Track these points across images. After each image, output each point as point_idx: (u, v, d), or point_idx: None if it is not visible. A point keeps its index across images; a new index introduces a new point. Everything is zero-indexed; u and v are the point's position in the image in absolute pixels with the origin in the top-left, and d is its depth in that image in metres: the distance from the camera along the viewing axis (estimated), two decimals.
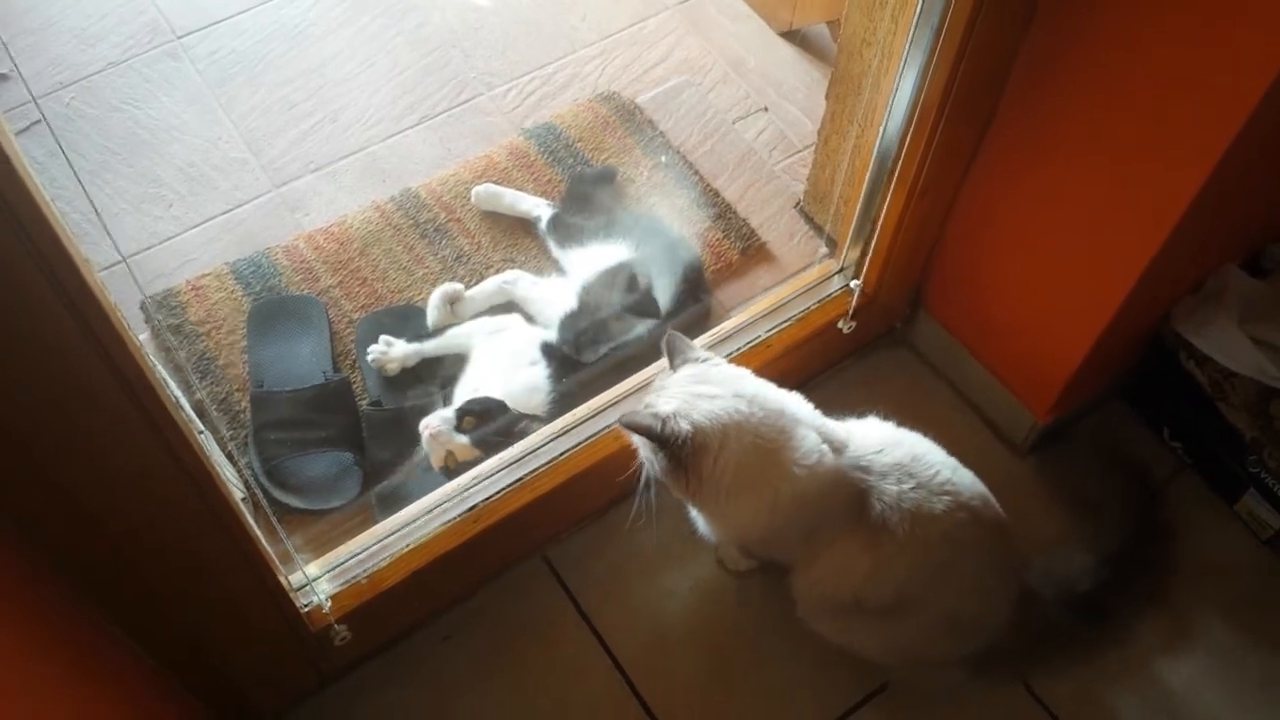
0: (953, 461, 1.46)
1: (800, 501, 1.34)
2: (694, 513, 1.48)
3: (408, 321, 1.97)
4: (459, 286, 1.96)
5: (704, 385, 1.33)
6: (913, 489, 1.37)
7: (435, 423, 1.70)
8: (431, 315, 1.94)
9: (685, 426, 1.27)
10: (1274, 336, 1.71)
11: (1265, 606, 1.76)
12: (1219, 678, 1.70)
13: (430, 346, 1.90)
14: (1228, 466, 1.79)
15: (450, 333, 1.91)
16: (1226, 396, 1.73)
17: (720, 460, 1.29)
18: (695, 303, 1.97)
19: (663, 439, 1.27)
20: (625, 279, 1.92)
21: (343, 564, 1.53)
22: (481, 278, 2.02)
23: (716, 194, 2.19)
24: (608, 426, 1.67)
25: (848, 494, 1.36)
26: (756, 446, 1.30)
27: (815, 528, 1.39)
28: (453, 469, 1.69)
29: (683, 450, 1.28)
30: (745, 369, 1.40)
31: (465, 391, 1.81)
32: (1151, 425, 1.91)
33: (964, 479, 1.44)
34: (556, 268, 2.03)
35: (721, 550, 1.73)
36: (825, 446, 1.35)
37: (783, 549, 1.49)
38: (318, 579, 1.50)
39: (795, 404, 1.39)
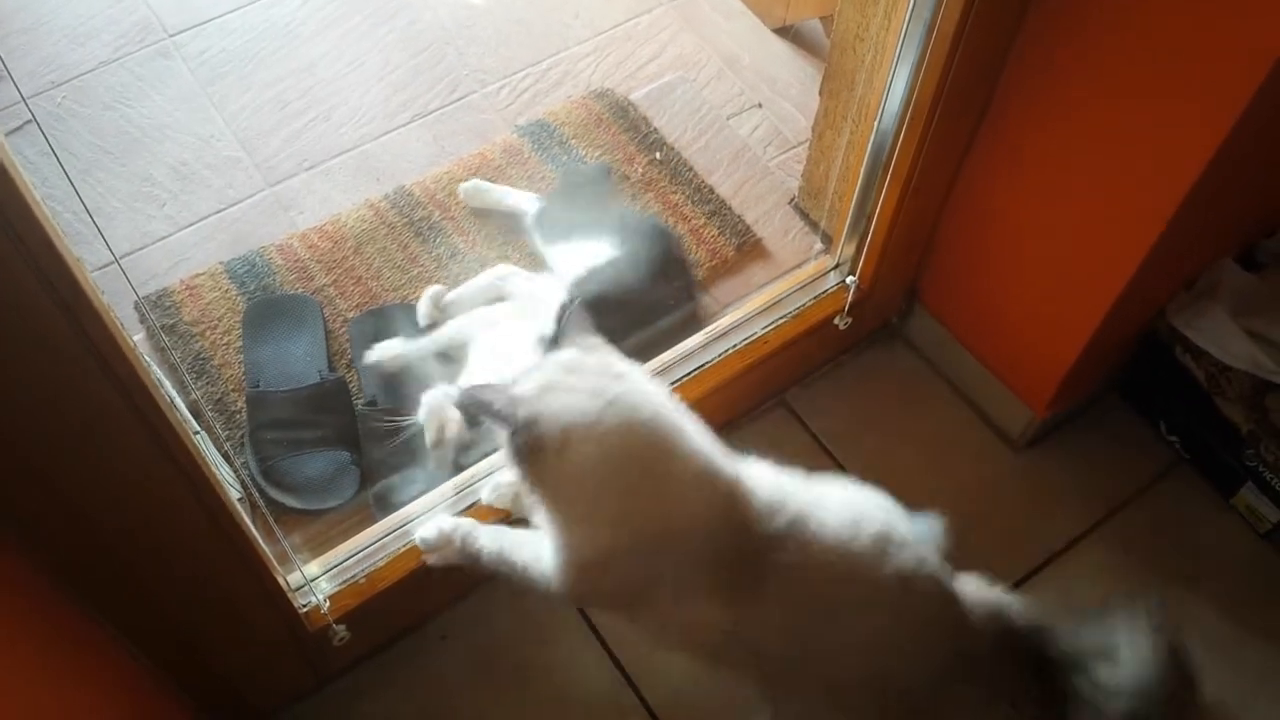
0: (857, 510, 1.26)
1: (649, 535, 1.17)
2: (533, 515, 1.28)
3: (401, 321, 1.96)
4: (441, 289, 1.96)
5: (571, 375, 1.16)
6: (797, 546, 1.19)
7: (436, 394, 1.69)
8: (422, 319, 1.94)
9: (522, 414, 1.11)
10: (1269, 330, 1.72)
11: (1262, 600, 1.77)
12: (1216, 672, 1.69)
13: (428, 343, 1.89)
14: (1224, 460, 1.79)
15: (449, 325, 1.90)
16: (1222, 390, 1.73)
17: (560, 462, 1.13)
18: (687, 300, 1.96)
19: (499, 418, 1.12)
20: (662, 261, 1.93)
21: (341, 564, 1.52)
22: (476, 275, 2.01)
23: (711, 190, 2.18)
24: None
25: (712, 545, 1.18)
26: (606, 461, 1.13)
27: (668, 573, 1.20)
28: (442, 445, 1.68)
29: (518, 439, 1.12)
30: (629, 366, 1.22)
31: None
32: (1148, 419, 1.92)
33: (865, 531, 1.22)
34: (544, 264, 2.02)
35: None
36: (710, 486, 1.17)
37: (619, 588, 1.27)
38: (316, 579, 1.49)
39: (693, 433, 1.19)
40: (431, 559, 1.48)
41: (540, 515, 1.23)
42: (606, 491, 1.16)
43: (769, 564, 1.18)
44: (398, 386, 1.87)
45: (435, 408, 1.69)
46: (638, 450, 1.15)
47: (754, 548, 1.18)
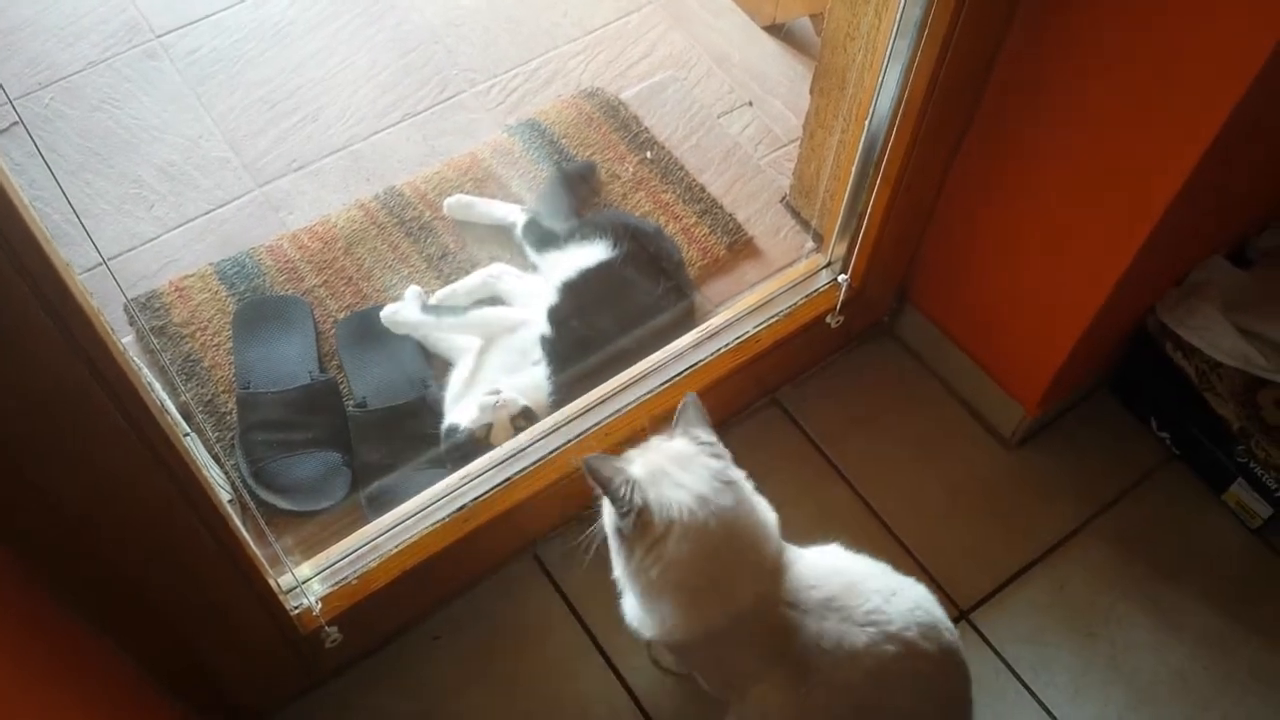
0: (896, 585, 1.34)
1: (721, 621, 1.25)
2: (623, 600, 1.36)
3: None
4: (420, 290, 1.96)
5: (681, 470, 1.24)
6: (836, 623, 1.27)
7: (510, 395, 1.73)
8: (388, 315, 1.93)
9: (637, 499, 1.20)
10: (1259, 326, 1.72)
11: (1254, 595, 1.77)
12: (1209, 667, 1.70)
13: (444, 323, 1.91)
14: (1215, 456, 1.80)
15: (469, 316, 1.91)
16: (1213, 387, 1.74)
17: (654, 550, 1.21)
18: (681, 299, 1.96)
19: (613, 497, 1.20)
20: (654, 261, 1.94)
21: (333, 565, 1.52)
22: (467, 275, 2.00)
23: (702, 189, 2.18)
24: (599, 423, 1.67)
25: (768, 623, 1.27)
26: (694, 559, 1.21)
27: (735, 656, 1.30)
28: (481, 442, 1.70)
29: (626, 519, 1.21)
30: (740, 473, 1.29)
31: (459, 386, 1.80)
32: (1139, 416, 1.92)
33: (898, 607, 1.30)
34: (537, 269, 2.02)
35: (654, 648, 1.66)
36: (771, 572, 1.27)
37: (702, 670, 1.41)
38: (308, 581, 1.49)
39: (767, 533, 1.28)
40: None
41: (632, 589, 1.31)
42: (689, 584, 1.23)
43: (812, 633, 1.26)
44: (387, 388, 1.87)
45: (505, 406, 1.72)
46: (726, 558, 1.23)
47: (796, 628, 1.27)
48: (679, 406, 1.33)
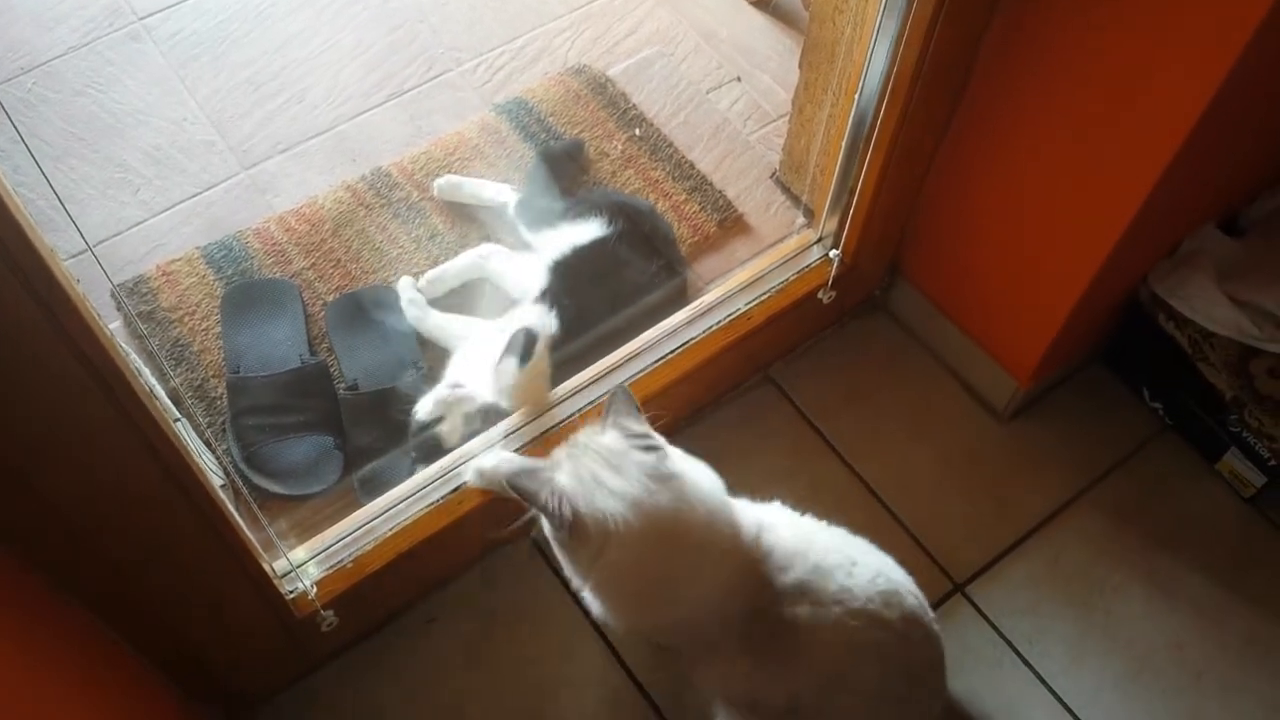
0: (857, 555, 1.32)
1: (682, 618, 1.23)
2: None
3: (379, 304, 1.94)
4: (411, 279, 1.96)
5: (611, 473, 1.17)
6: (808, 607, 1.24)
7: (470, 391, 1.68)
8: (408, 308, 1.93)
9: (568, 513, 1.14)
10: (1252, 296, 1.72)
11: (1248, 564, 1.78)
12: (1204, 636, 1.71)
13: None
14: (1208, 426, 1.80)
15: (448, 323, 1.90)
16: (1206, 356, 1.74)
17: (597, 560, 1.17)
18: (673, 276, 1.95)
19: (543, 512, 1.16)
20: (646, 238, 1.93)
21: (328, 549, 1.51)
22: (456, 256, 1.99)
23: (692, 166, 2.17)
24: (592, 402, 1.66)
25: (737, 611, 1.24)
26: (639, 564, 1.17)
27: (698, 636, 1.28)
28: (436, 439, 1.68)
29: (560, 533, 1.16)
30: (677, 463, 1.21)
31: (457, 373, 1.80)
32: (1132, 387, 1.92)
33: (859, 579, 1.28)
34: (529, 249, 2.01)
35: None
36: (734, 567, 1.22)
37: (667, 643, 1.38)
38: (303, 565, 1.48)
39: (722, 530, 1.21)
40: (473, 480, 1.53)
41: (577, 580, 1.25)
42: (639, 590, 1.20)
43: (786, 618, 1.23)
44: (377, 370, 1.86)
45: (442, 402, 1.68)
46: (673, 560, 1.18)
47: (771, 603, 1.23)
48: (609, 398, 1.25)
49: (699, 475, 1.23)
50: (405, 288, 1.92)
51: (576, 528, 1.15)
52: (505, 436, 1.63)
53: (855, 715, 1.32)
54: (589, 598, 1.26)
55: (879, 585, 1.29)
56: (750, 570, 1.24)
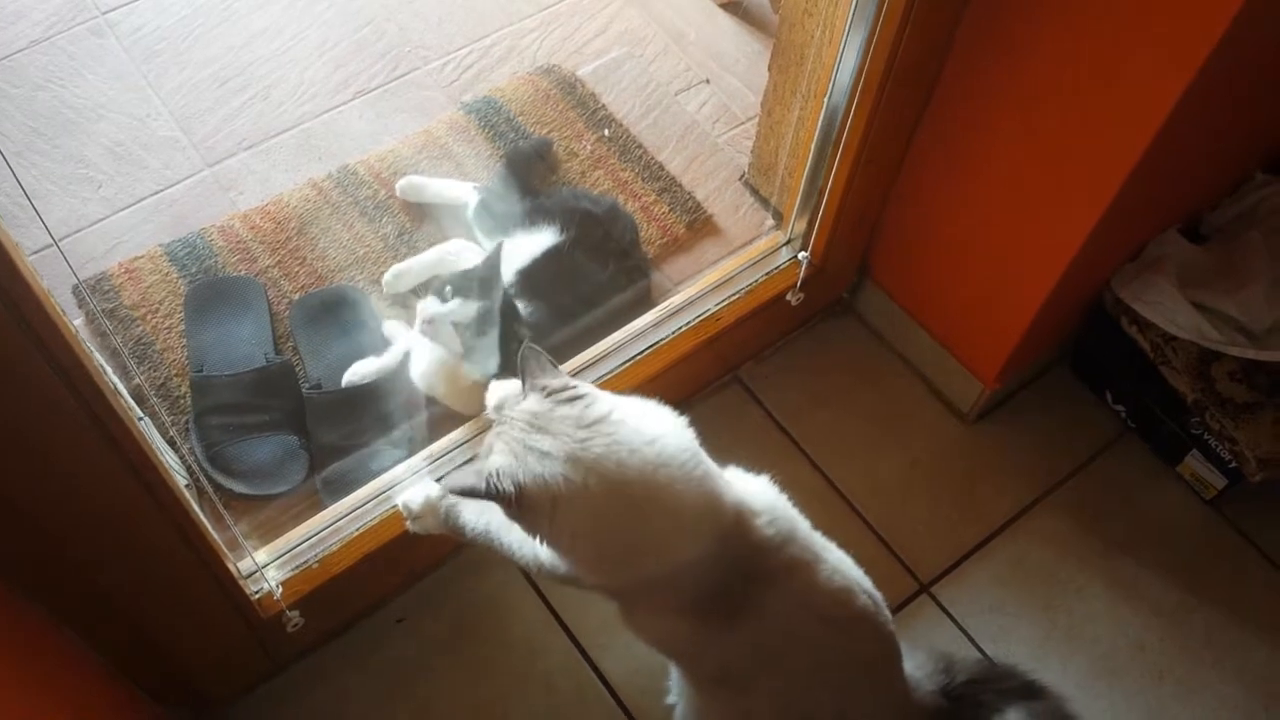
0: (817, 552, 1.26)
1: (646, 571, 1.17)
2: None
3: (344, 303, 1.93)
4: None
5: (540, 437, 1.12)
6: (788, 587, 1.21)
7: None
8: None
9: (509, 487, 1.10)
10: (1213, 301, 1.74)
11: (1209, 565, 1.80)
12: (1165, 636, 1.73)
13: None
14: (1170, 429, 1.82)
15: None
16: (1168, 360, 1.76)
17: (555, 524, 1.13)
18: (634, 278, 1.95)
19: (490, 499, 1.12)
20: (611, 240, 1.93)
21: (293, 549, 1.50)
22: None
23: (661, 167, 2.17)
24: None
25: (729, 568, 1.19)
26: (593, 520, 1.12)
27: (666, 598, 1.22)
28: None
29: (511, 510, 1.13)
30: (605, 402, 1.15)
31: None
32: (1095, 390, 1.94)
33: (819, 574, 1.24)
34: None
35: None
36: (708, 519, 1.16)
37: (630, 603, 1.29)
38: (267, 565, 1.47)
39: (673, 470, 1.13)
40: (413, 526, 1.47)
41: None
42: (605, 545, 1.15)
43: (755, 597, 1.19)
44: (342, 369, 1.84)
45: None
46: (628, 507, 1.12)
47: (744, 580, 1.18)
48: (519, 361, 1.19)
49: (640, 412, 1.17)
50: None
51: (523, 499, 1.11)
52: (430, 464, 1.60)
53: (783, 696, 1.28)
54: (558, 562, 1.22)
55: (835, 582, 1.25)
56: (726, 512, 1.17)
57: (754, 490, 1.24)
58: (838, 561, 1.30)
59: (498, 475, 1.11)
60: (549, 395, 1.15)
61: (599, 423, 1.12)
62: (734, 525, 1.18)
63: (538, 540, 1.17)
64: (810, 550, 1.25)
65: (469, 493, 1.13)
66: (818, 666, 1.28)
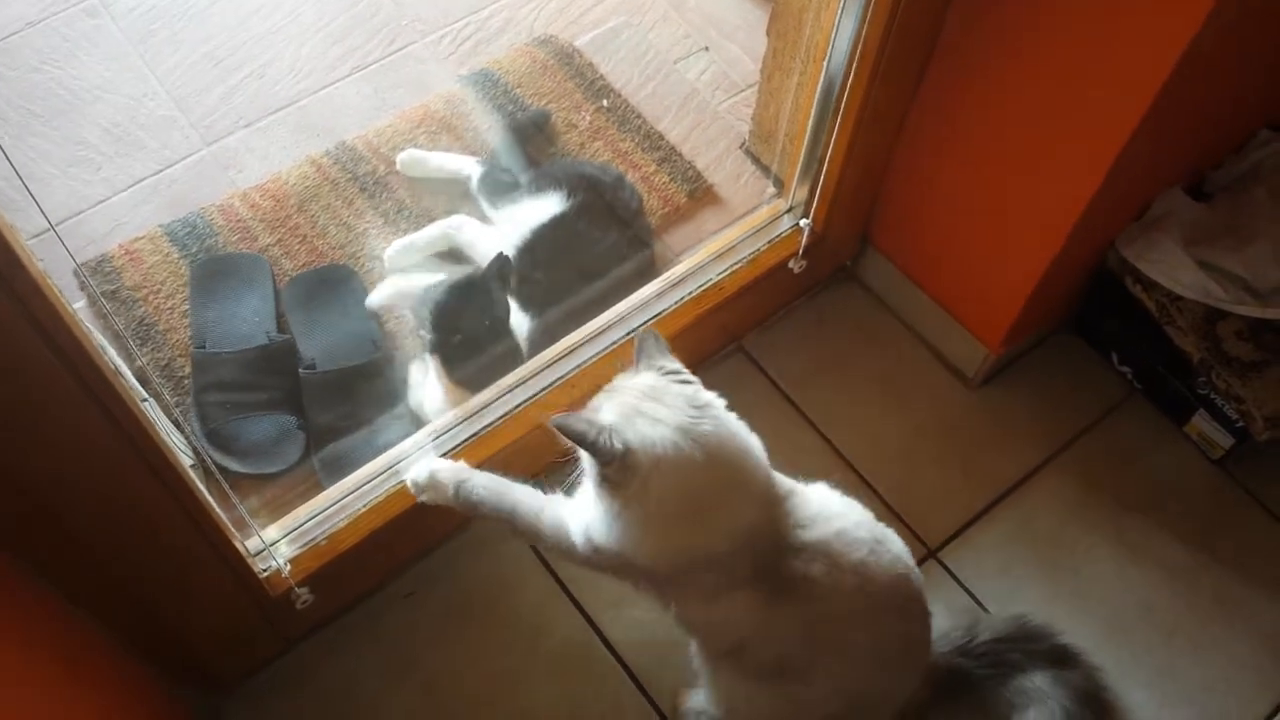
0: (879, 534, 1.34)
1: (708, 550, 1.24)
2: (597, 514, 1.29)
3: (338, 282, 1.93)
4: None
5: (654, 404, 1.20)
6: (823, 567, 1.26)
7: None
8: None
9: (618, 445, 1.17)
10: (1218, 259, 1.73)
11: (1217, 525, 1.80)
12: (1173, 595, 1.73)
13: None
14: (1176, 389, 1.81)
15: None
16: (1173, 320, 1.75)
17: (647, 488, 1.19)
18: (642, 248, 1.94)
19: (594, 449, 1.18)
20: (614, 210, 1.92)
21: (301, 526, 1.50)
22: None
23: (661, 137, 2.16)
24: (562, 376, 1.66)
25: (753, 553, 1.26)
26: (681, 490, 1.19)
27: (707, 577, 1.28)
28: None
29: (610, 466, 1.18)
30: (713, 395, 1.26)
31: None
32: (1101, 352, 1.93)
33: (881, 559, 1.31)
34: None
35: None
36: (760, 502, 1.25)
37: (678, 591, 1.33)
38: (275, 543, 1.47)
39: (755, 460, 1.26)
40: (421, 498, 1.49)
41: (621, 525, 1.25)
42: (680, 517, 1.22)
43: (799, 572, 1.25)
44: (336, 349, 1.84)
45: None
46: (715, 485, 1.21)
47: (785, 552, 1.26)
48: (637, 342, 1.29)
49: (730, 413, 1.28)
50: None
51: (627, 457, 1.17)
52: (434, 438, 1.61)
53: (841, 680, 1.34)
54: (626, 534, 1.26)
55: (897, 569, 1.32)
56: (773, 513, 1.27)
57: (804, 488, 1.34)
58: (900, 550, 1.36)
59: (609, 431, 1.17)
60: (666, 374, 1.25)
61: (708, 406, 1.23)
62: (781, 507, 1.28)
63: (613, 504, 1.22)
64: (865, 535, 1.31)
65: (576, 437, 1.18)
66: (875, 648, 1.33)
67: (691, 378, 1.27)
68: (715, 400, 1.25)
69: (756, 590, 1.26)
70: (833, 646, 1.31)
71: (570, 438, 1.18)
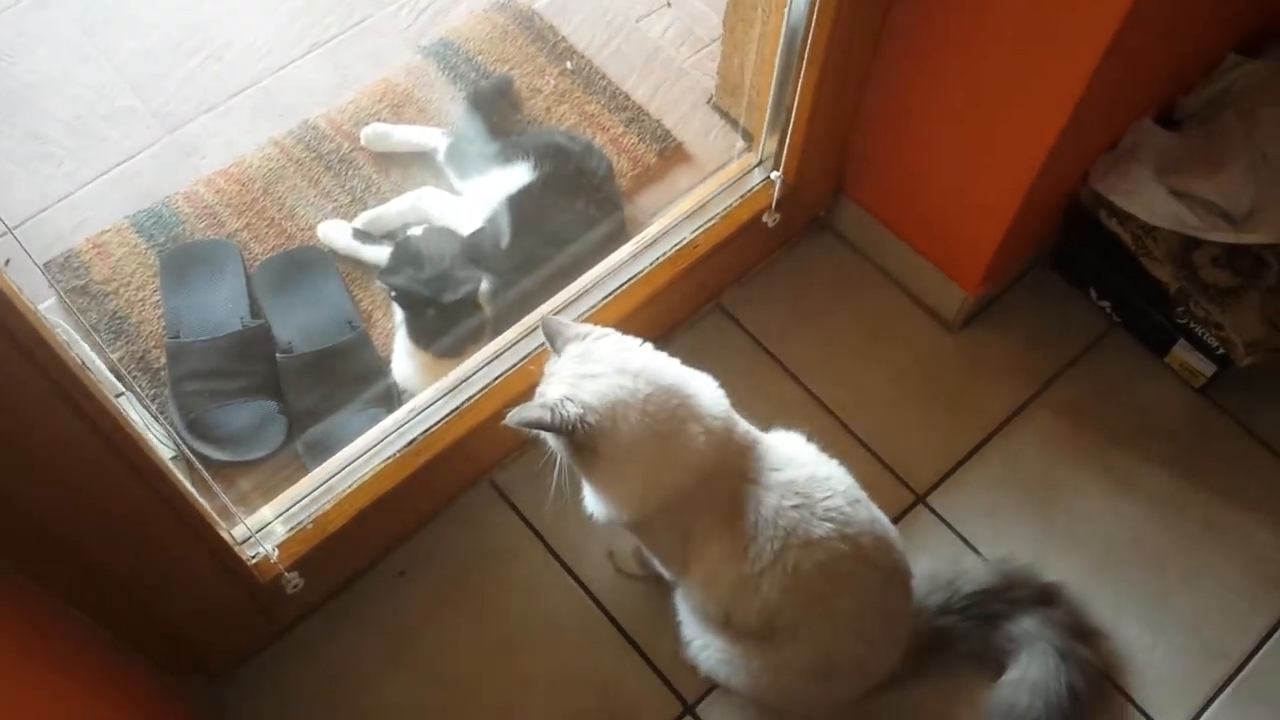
0: (858, 494, 1.35)
1: (684, 484, 1.27)
2: (585, 493, 1.36)
3: (310, 263, 1.91)
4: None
5: (587, 364, 1.25)
6: (794, 506, 1.27)
7: None
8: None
9: (574, 410, 1.21)
10: (1191, 187, 1.72)
11: (1202, 453, 1.80)
12: (1163, 525, 1.74)
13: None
14: (1156, 320, 1.81)
15: None
16: (1149, 251, 1.75)
17: (615, 437, 1.23)
18: (613, 211, 1.93)
19: (556, 428, 1.21)
20: (582, 175, 1.92)
21: (287, 511, 1.50)
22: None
23: (627, 97, 2.13)
24: (541, 345, 1.64)
25: (728, 491, 1.29)
26: (644, 424, 1.23)
27: (693, 521, 1.31)
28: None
29: (576, 433, 1.22)
30: (634, 339, 1.30)
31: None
32: (1078, 287, 1.93)
33: (860, 513, 1.32)
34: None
35: (618, 558, 1.68)
36: (719, 428, 1.28)
37: (665, 542, 1.37)
38: (262, 530, 1.47)
39: (699, 384, 1.30)
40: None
41: (601, 489, 1.31)
42: (652, 456, 1.25)
43: (765, 516, 1.28)
44: (312, 330, 1.83)
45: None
46: (668, 412, 1.24)
47: (757, 483, 1.29)
48: (544, 331, 1.33)
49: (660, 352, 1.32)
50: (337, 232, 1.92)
51: (586, 420, 1.21)
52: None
53: (829, 646, 1.34)
54: (607, 496, 1.31)
55: (875, 529, 1.33)
56: (740, 451, 1.30)
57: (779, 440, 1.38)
58: (878, 513, 1.37)
59: (561, 404, 1.21)
60: (583, 339, 1.29)
61: (631, 348, 1.28)
62: (745, 441, 1.32)
63: (589, 468, 1.27)
64: (842, 487, 1.33)
65: (535, 424, 1.22)
66: (861, 611, 1.34)
67: (608, 331, 1.31)
68: (637, 342, 1.30)
69: (730, 540, 1.29)
70: (818, 606, 1.31)
71: (530, 427, 1.22)
